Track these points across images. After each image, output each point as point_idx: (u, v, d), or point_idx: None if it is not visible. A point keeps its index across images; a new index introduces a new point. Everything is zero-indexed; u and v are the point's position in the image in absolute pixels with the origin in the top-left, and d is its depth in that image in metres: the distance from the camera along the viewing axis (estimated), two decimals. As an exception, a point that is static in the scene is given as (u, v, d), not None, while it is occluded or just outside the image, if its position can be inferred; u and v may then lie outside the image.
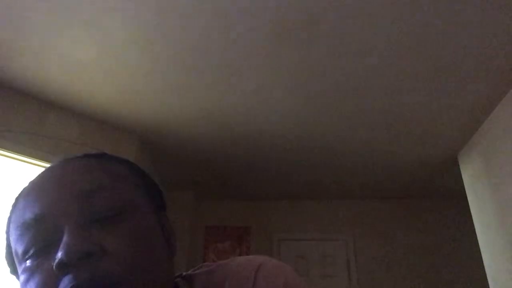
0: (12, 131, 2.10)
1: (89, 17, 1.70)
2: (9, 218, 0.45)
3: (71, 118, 2.40)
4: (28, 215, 0.41)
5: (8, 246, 0.45)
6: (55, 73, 2.07)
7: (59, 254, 0.36)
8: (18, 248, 0.42)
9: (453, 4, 1.59)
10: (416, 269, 3.66)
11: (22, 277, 0.40)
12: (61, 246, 0.37)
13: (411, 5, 1.60)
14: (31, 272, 0.39)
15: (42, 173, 0.46)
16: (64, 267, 0.36)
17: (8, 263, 0.46)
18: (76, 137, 2.37)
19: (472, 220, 2.76)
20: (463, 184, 2.85)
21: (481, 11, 1.62)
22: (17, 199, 0.46)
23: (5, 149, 2.05)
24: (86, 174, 0.44)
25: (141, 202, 0.46)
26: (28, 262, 0.40)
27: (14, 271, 0.45)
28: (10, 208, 0.46)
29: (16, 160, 2.12)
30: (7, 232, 0.45)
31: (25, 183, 0.47)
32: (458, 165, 2.92)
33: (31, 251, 0.40)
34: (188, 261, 3.51)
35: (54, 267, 0.37)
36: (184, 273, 0.51)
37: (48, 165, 0.50)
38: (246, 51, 1.90)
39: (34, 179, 0.46)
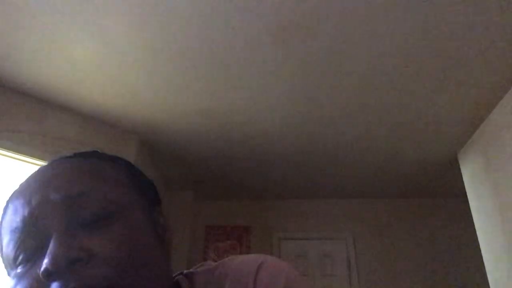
0: (12, 131, 2.10)
1: (89, 17, 1.70)
2: (1, 223, 0.45)
3: (71, 118, 2.40)
4: (16, 220, 0.41)
5: (1, 251, 0.45)
6: (55, 73, 2.07)
7: (45, 262, 0.36)
8: (9, 254, 0.41)
9: (454, 4, 1.59)
10: (416, 269, 3.66)
11: (11, 283, 0.40)
12: (47, 254, 0.37)
13: (412, 5, 1.60)
14: (18, 279, 0.39)
15: (31, 175, 0.46)
16: (50, 275, 0.36)
17: (5, 267, 0.46)
18: (76, 137, 2.37)
19: (472, 219, 2.76)
20: (463, 183, 2.85)
21: (481, 10, 1.62)
22: (7, 202, 0.45)
23: (5, 149, 2.05)
24: (73, 177, 0.44)
25: (131, 201, 0.45)
26: (18, 269, 0.40)
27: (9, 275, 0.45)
28: (2, 212, 0.46)
29: (16, 160, 2.12)
30: (0, 237, 0.45)
31: (17, 186, 0.47)
32: (458, 165, 2.92)
33: (20, 258, 0.40)
34: (188, 260, 3.51)
35: (40, 275, 0.36)
36: (185, 271, 0.51)
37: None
38: (246, 51, 1.90)
39: (23, 183, 0.46)
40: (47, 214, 0.40)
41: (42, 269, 0.36)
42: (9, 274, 0.44)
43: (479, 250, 2.65)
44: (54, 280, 0.36)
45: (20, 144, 2.10)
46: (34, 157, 2.14)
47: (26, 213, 0.41)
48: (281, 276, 0.44)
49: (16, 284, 0.39)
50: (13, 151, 2.08)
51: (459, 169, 2.90)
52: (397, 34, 1.77)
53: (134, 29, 1.77)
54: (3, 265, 0.46)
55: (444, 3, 1.59)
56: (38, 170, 0.46)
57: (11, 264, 0.41)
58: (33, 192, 0.42)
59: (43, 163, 2.16)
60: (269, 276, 0.44)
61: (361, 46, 1.85)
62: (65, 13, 1.68)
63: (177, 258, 3.37)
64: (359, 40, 1.81)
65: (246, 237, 3.92)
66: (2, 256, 0.45)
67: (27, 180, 0.45)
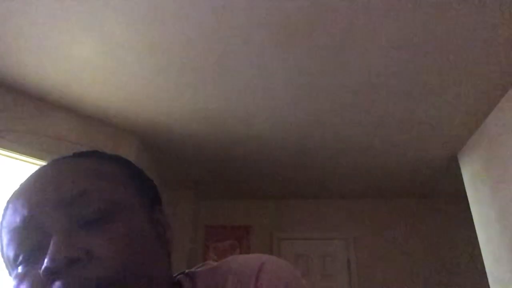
0: (12, 131, 2.10)
1: (89, 17, 1.70)
2: (1, 223, 0.45)
3: (71, 118, 2.40)
4: (17, 220, 0.41)
5: (2, 252, 0.45)
6: (55, 73, 2.07)
7: (45, 262, 0.36)
8: (9, 254, 0.42)
9: (453, 4, 1.59)
10: (416, 269, 3.65)
11: (13, 283, 0.40)
12: (48, 253, 0.37)
13: (412, 6, 1.60)
14: (20, 279, 0.40)
15: (31, 176, 0.46)
16: (51, 275, 0.36)
17: (6, 267, 0.46)
18: (75, 137, 2.38)
19: (472, 219, 2.76)
20: (463, 183, 2.85)
21: (481, 10, 1.62)
22: (7, 203, 0.45)
23: (5, 149, 2.05)
24: (73, 176, 0.44)
25: (131, 200, 0.45)
26: (19, 269, 0.40)
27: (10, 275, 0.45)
28: (2, 212, 0.46)
29: (16, 160, 2.12)
30: (0, 237, 0.45)
31: (17, 186, 0.47)
32: (459, 165, 2.91)
33: (21, 257, 0.40)
34: (188, 260, 3.51)
35: (41, 274, 0.37)
36: (186, 271, 0.51)
37: (46, 165, 0.49)
38: (247, 51, 1.90)
39: (23, 183, 0.45)
40: (47, 214, 0.40)
41: (42, 268, 0.36)
42: (10, 274, 0.44)
43: (479, 250, 2.65)
44: (54, 280, 0.36)
45: (19, 144, 2.10)
46: (33, 157, 2.14)
47: (25, 213, 0.41)
48: (283, 277, 0.44)
49: (18, 285, 0.39)
50: (13, 150, 2.08)
51: (459, 169, 2.90)
52: (398, 35, 1.77)
53: (134, 29, 1.77)
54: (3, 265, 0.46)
55: (445, 4, 1.59)
56: (37, 170, 0.46)
57: (12, 264, 0.41)
58: (32, 192, 0.42)
59: (42, 163, 2.16)
60: (270, 277, 0.44)
61: (360, 47, 1.85)
62: (65, 13, 1.68)
63: (177, 258, 3.37)
64: (359, 41, 1.81)
65: (246, 237, 3.92)
66: (2, 256, 0.45)
67: (27, 181, 0.45)
